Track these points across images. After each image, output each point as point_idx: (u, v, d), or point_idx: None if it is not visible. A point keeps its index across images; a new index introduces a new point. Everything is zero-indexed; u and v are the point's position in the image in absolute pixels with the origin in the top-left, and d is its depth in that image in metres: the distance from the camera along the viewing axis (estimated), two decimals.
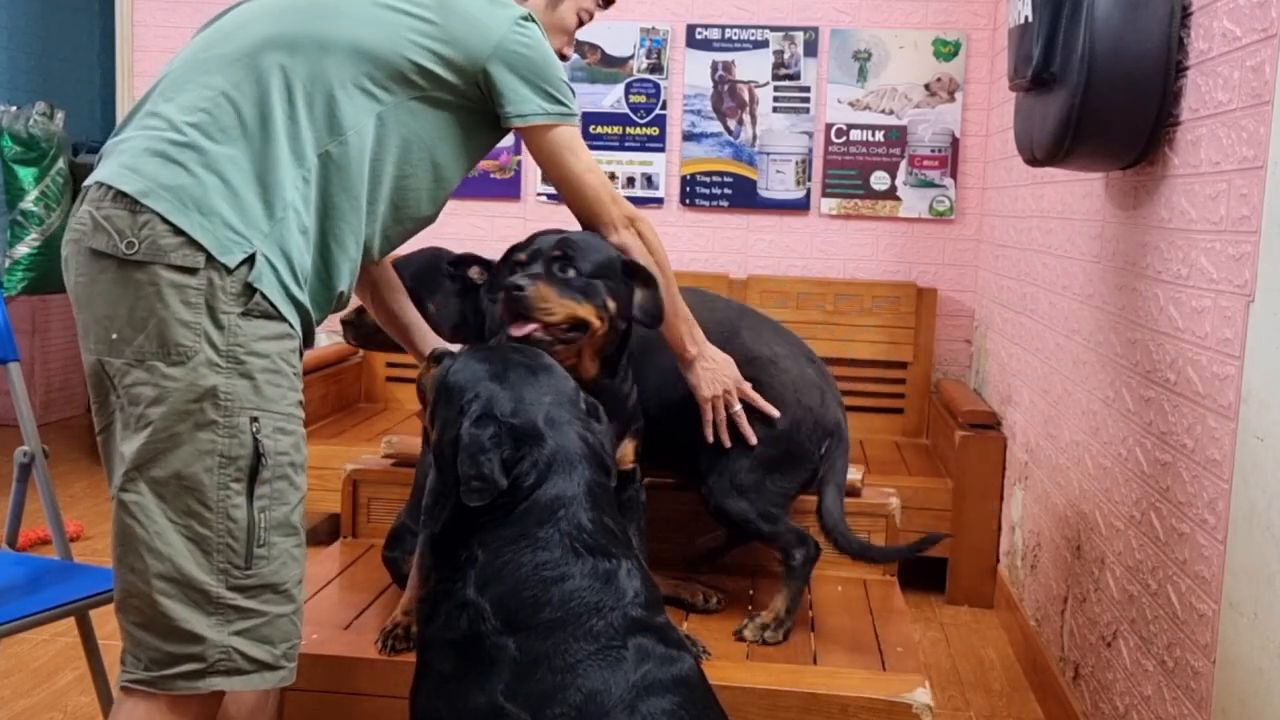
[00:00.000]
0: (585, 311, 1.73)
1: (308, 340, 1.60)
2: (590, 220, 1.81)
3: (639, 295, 1.81)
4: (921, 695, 1.76)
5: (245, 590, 1.47)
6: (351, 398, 4.35)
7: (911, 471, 3.70)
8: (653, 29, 4.32)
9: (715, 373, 1.94)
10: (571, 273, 1.74)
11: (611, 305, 1.76)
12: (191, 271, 1.43)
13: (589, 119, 4.38)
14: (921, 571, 3.55)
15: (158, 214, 1.43)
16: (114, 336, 1.45)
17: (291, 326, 1.52)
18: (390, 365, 4.41)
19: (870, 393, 4.24)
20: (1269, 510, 1.61)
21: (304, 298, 1.54)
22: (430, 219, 1.74)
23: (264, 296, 1.47)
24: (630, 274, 1.80)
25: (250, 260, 1.46)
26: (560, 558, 1.40)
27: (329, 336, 4.52)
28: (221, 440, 1.45)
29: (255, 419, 1.46)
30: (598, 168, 1.77)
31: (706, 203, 4.35)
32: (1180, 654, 1.93)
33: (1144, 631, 2.12)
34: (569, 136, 1.72)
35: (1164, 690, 2.00)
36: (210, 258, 1.44)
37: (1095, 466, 2.49)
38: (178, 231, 1.43)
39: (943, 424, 3.84)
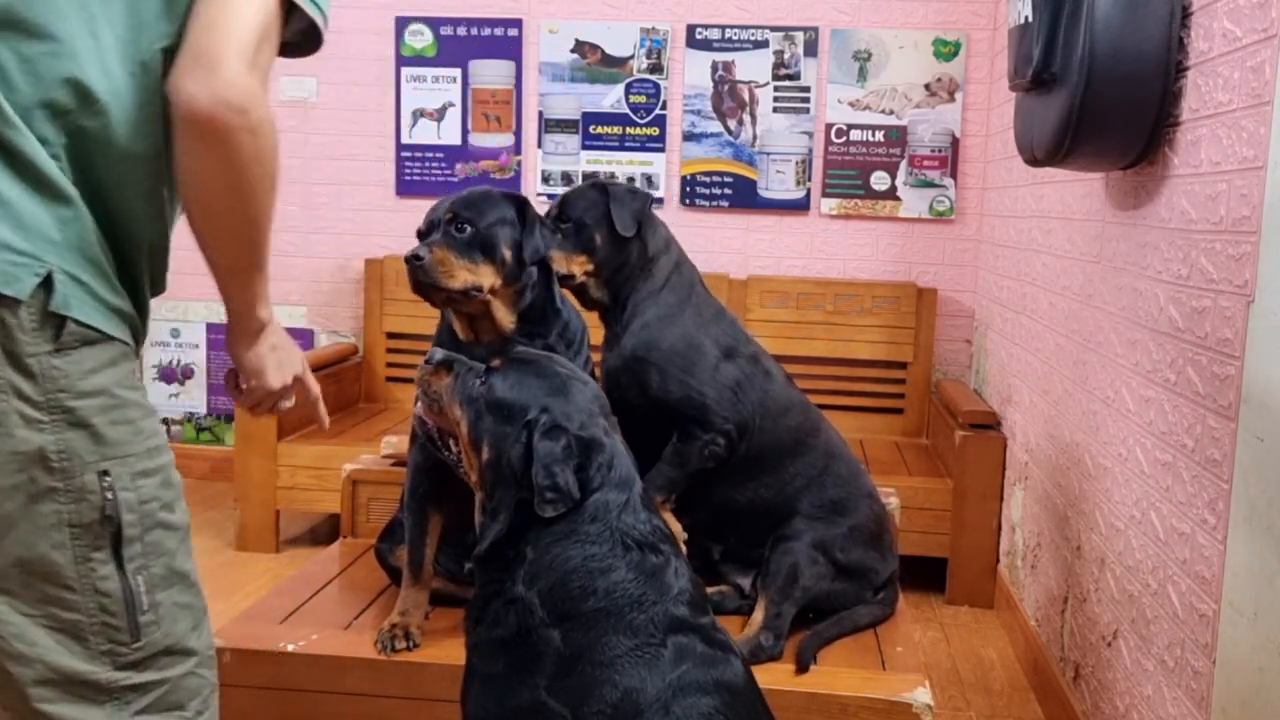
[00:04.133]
0: (484, 274, 1.87)
1: (140, 342, 1.31)
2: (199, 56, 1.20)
3: (537, 234, 1.96)
4: (922, 695, 1.76)
5: (138, 664, 1.26)
6: (351, 398, 4.34)
7: (911, 472, 3.70)
8: (653, 29, 4.32)
9: (285, 358, 1.50)
10: (468, 230, 1.88)
11: (508, 254, 1.90)
12: None
13: (589, 119, 4.38)
14: (922, 571, 3.55)
15: None
16: None
17: (124, 342, 1.25)
18: (390, 365, 4.41)
19: (870, 393, 4.23)
20: (1269, 510, 1.61)
21: (127, 303, 1.25)
22: None
23: (78, 322, 1.17)
24: (523, 211, 1.94)
25: (47, 282, 1.15)
26: (609, 551, 1.45)
27: (329, 336, 4.52)
28: (67, 508, 1.19)
29: (104, 472, 1.20)
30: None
31: (706, 203, 4.35)
32: (1180, 654, 1.93)
33: (1144, 631, 2.12)
34: None
35: (1164, 690, 2.00)
36: None
37: (1095, 466, 2.49)
38: None
39: (943, 424, 3.84)
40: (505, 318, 1.93)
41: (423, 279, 1.84)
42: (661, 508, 2.08)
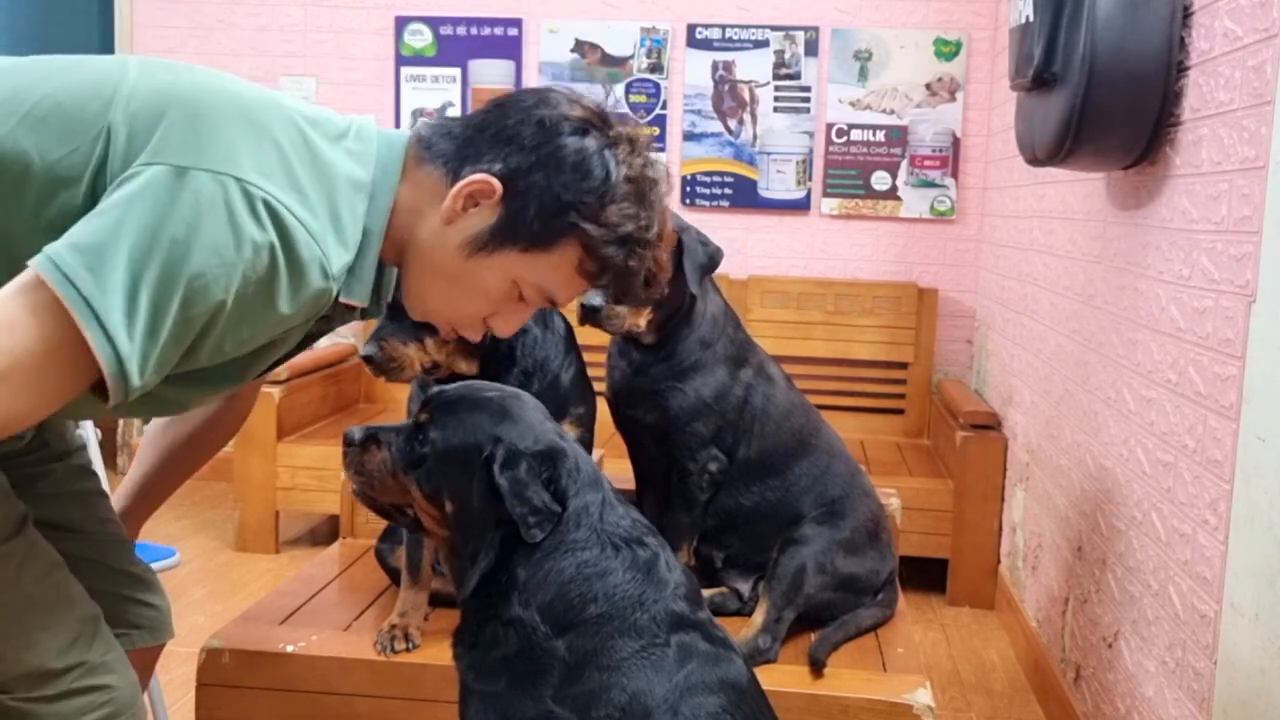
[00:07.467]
0: (439, 351, 1.85)
1: None
2: None
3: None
4: (922, 696, 1.76)
5: None
6: (351, 398, 4.34)
7: (912, 472, 3.69)
8: (653, 29, 4.32)
9: None
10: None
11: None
12: None
13: None
14: (923, 572, 3.55)
15: None
16: None
17: None
18: None
19: (871, 393, 4.23)
20: (1270, 511, 1.61)
21: None
22: None
23: None
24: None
25: None
26: (600, 554, 1.43)
27: (328, 336, 4.51)
28: None
29: None
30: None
31: (707, 203, 4.35)
32: (1182, 655, 1.93)
33: (1145, 632, 2.12)
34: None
35: (1165, 691, 1.99)
36: None
37: (1096, 467, 2.49)
38: None
39: (944, 425, 3.84)
40: (468, 369, 1.90)
41: (383, 374, 1.85)
42: (687, 555, 2.09)
